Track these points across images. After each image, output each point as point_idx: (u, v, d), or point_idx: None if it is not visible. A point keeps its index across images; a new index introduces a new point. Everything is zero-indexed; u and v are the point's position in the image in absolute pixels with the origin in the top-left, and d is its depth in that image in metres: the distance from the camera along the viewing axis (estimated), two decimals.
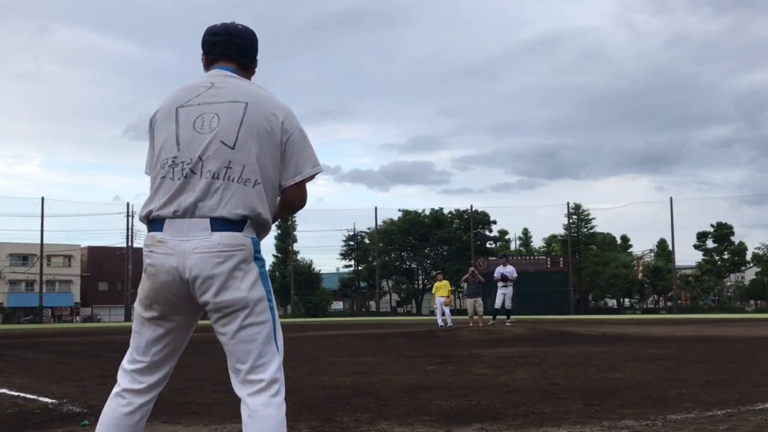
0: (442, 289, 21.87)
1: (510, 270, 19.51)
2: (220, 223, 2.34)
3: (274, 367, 2.39)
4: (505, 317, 19.07)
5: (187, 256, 2.33)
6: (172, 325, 2.48)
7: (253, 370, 2.37)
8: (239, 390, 2.40)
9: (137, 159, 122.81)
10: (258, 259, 2.42)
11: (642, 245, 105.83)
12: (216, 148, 2.37)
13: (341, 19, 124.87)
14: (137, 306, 2.50)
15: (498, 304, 19.21)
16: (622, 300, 68.87)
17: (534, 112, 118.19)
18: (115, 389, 2.49)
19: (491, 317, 19.17)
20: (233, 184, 2.36)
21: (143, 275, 2.46)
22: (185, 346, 2.58)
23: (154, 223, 2.41)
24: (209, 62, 2.62)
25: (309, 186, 2.61)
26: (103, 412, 2.49)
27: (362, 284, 70.65)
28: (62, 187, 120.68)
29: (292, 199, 2.57)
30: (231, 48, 2.58)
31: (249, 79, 2.62)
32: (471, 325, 19.01)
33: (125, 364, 2.51)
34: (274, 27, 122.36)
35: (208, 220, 2.34)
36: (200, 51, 2.66)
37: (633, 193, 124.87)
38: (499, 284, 19.25)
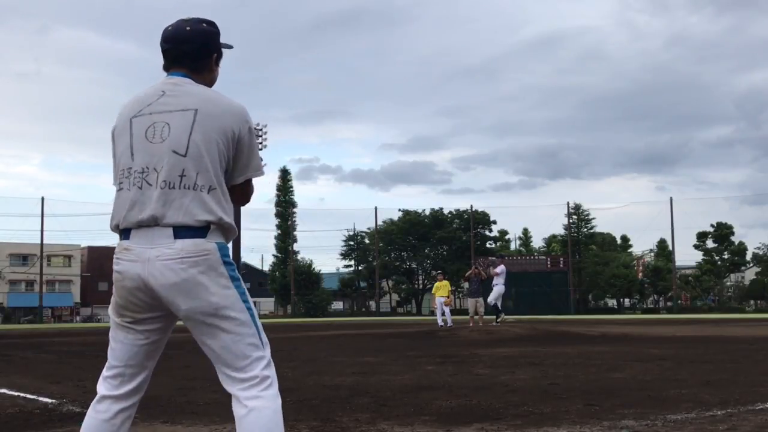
0: (442, 289, 21.86)
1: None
2: (183, 231, 2.36)
3: (261, 364, 2.42)
4: (494, 316, 19.07)
5: (151, 263, 2.35)
6: (145, 330, 2.49)
7: (240, 370, 2.39)
8: (230, 388, 2.42)
9: None
10: (227, 263, 2.42)
11: (642, 245, 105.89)
12: (168, 158, 2.39)
13: (341, 19, 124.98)
14: (110, 312, 2.53)
15: (497, 301, 19.18)
16: (622, 300, 68.85)
17: (534, 112, 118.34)
18: (96, 397, 2.53)
19: (494, 317, 19.09)
20: (189, 192, 2.37)
21: (113, 282, 2.48)
22: (161, 351, 2.60)
23: (123, 232, 2.45)
24: (164, 68, 2.62)
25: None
26: (85, 419, 2.52)
27: (362, 284, 70.64)
28: (62, 187, 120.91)
29: (236, 197, 2.58)
30: (179, 55, 2.56)
31: (209, 80, 2.61)
32: (471, 325, 19.00)
33: (104, 371, 2.54)
34: (275, 27, 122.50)
35: (171, 228, 2.36)
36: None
37: (633, 193, 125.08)
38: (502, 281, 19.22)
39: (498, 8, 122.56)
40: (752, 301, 67.80)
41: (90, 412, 2.51)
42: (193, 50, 2.56)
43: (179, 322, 2.54)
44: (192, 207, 2.37)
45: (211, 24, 2.62)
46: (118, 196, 2.46)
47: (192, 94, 2.48)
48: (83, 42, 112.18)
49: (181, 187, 2.37)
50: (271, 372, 2.44)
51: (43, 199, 56.28)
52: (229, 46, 2.69)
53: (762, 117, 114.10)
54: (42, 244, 57.60)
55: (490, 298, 19.13)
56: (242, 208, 65.57)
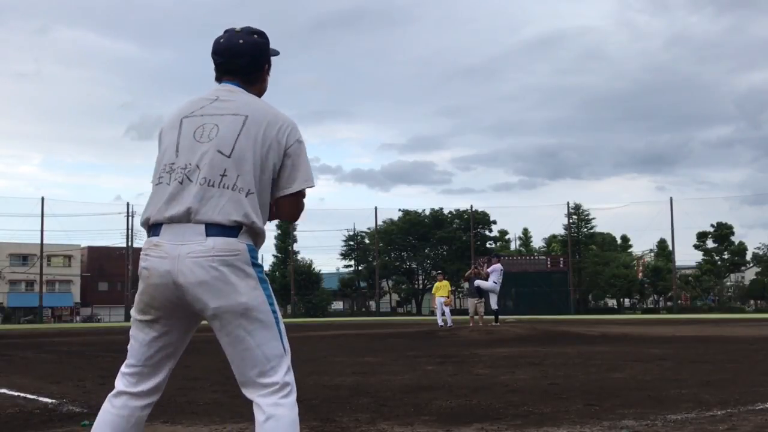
0: (442, 289, 21.86)
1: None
2: (215, 229, 2.35)
3: (283, 370, 2.40)
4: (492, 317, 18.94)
5: (180, 260, 2.33)
6: (167, 330, 2.48)
7: (263, 374, 2.38)
8: (250, 394, 2.40)
9: (138, 159, 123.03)
10: (255, 265, 2.42)
11: (642, 245, 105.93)
12: (212, 157, 2.40)
13: (342, 19, 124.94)
14: (133, 310, 2.51)
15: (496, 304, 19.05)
16: (622, 300, 68.86)
17: (534, 112, 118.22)
18: (114, 391, 2.52)
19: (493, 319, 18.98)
20: (228, 191, 2.38)
21: (140, 279, 2.47)
22: (181, 353, 2.59)
23: (152, 228, 2.43)
24: (217, 77, 2.66)
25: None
26: (100, 412, 2.52)
27: (362, 284, 70.65)
28: (62, 187, 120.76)
29: (284, 210, 2.59)
30: (232, 68, 2.60)
31: (259, 90, 2.66)
32: (471, 325, 18.99)
33: (123, 367, 2.53)
34: (275, 27, 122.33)
35: (203, 225, 2.35)
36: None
37: (633, 193, 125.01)
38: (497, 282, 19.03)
39: (498, 8, 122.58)
40: (752, 301, 67.80)
41: (106, 406, 2.50)
42: (246, 64, 2.60)
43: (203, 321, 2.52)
44: (228, 206, 2.36)
45: (262, 35, 2.65)
46: (156, 191, 2.45)
47: (245, 102, 2.51)
48: (83, 42, 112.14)
49: (220, 186, 2.38)
50: (291, 379, 2.42)
51: (43, 199, 56.36)
52: (276, 53, 2.71)
53: (762, 117, 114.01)
54: (42, 244, 57.61)
55: (493, 304, 18.90)
56: None
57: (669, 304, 63.15)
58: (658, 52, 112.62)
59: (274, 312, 2.43)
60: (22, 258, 71.82)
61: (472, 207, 66.42)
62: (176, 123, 2.52)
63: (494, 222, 69.98)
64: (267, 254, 67.26)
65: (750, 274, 71.43)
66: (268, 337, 2.39)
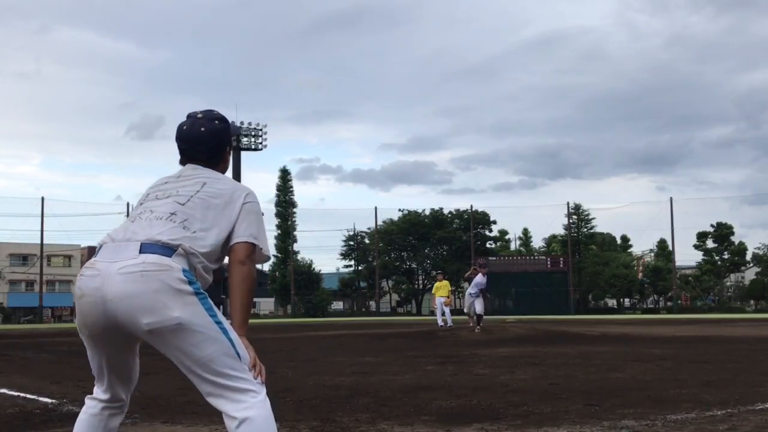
0: (442, 289, 21.85)
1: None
2: (149, 246, 2.39)
3: (242, 375, 2.40)
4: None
5: (111, 276, 2.35)
6: (106, 348, 2.51)
7: (223, 385, 2.38)
8: (217, 404, 2.41)
9: (138, 159, 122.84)
10: (191, 282, 2.38)
11: (642, 245, 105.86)
12: (168, 204, 2.55)
13: (341, 20, 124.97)
14: (77, 328, 2.55)
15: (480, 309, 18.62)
16: (622, 300, 68.83)
17: (534, 112, 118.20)
18: (89, 395, 2.66)
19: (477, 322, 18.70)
20: (172, 223, 2.47)
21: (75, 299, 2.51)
22: (136, 362, 2.65)
23: (96, 251, 2.54)
24: (181, 162, 2.77)
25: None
26: (80, 413, 2.65)
27: (362, 284, 70.62)
28: (62, 187, 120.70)
29: (234, 264, 2.55)
30: (195, 156, 2.72)
31: (222, 169, 2.77)
32: (471, 325, 18.97)
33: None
34: (274, 27, 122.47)
35: (139, 243, 2.40)
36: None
37: (633, 193, 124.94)
38: (474, 292, 18.54)
39: (498, 8, 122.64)
40: (752, 301, 67.77)
41: (84, 408, 2.64)
42: (208, 150, 2.72)
43: None
44: (168, 231, 2.43)
45: (223, 120, 2.76)
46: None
47: (205, 174, 2.67)
48: (83, 42, 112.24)
49: (167, 220, 2.48)
50: (251, 383, 2.42)
51: (43, 199, 56.25)
52: (237, 131, 2.79)
53: (762, 117, 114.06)
54: (42, 244, 57.57)
55: (479, 309, 18.35)
56: None
57: (669, 304, 63.11)
58: (658, 52, 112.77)
59: (218, 323, 2.39)
60: (22, 258, 71.79)
61: (472, 207, 66.44)
62: (143, 194, 2.69)
63: (494, 222, 69.98)
64: None
65: (750, 274, 71.40)
66: (216, 348, 2.36)
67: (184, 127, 2.72)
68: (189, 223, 2.48)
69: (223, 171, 2.76)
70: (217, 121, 2.72)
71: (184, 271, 2.38)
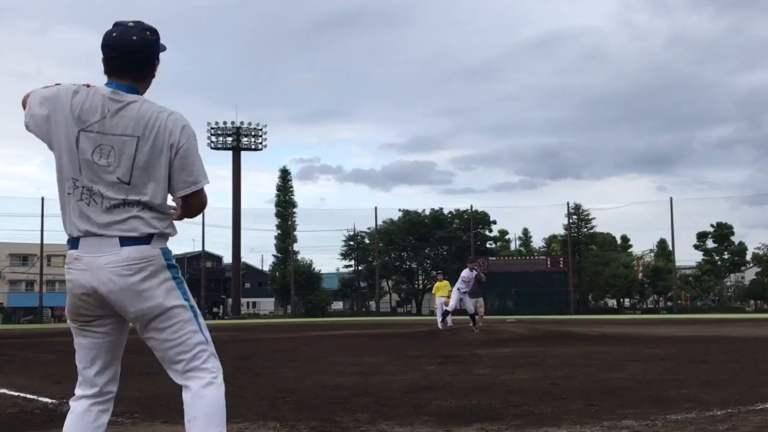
0: (442, 289, 21.84)
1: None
2: (128, 240, 2.53)
3: (205, 356, 2.62)
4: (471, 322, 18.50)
5: (100, 271, 2.52)
6: (100, 332, 2.67)
7: (189, 362, 2.59)
8: (180, 380, 2.62)
9: None
10: (171, 267, 2.60)
11: (642, 245, 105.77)
12: (113, 183, 2.55)
13: (341, 20, 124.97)
14: (67, 318, 2.70)
15: (453, 307, 18.44)
16: (622, 300, 68.81)
17: (535, 112, 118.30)
18: (73, 396, 2.72)
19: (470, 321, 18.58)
20: (133, 210, 2.55)
21: (67, 290, 2.66)
22: (122, 347, 2.78)
23: (70, 241, 2.61)
24: (105, 72, 2.67)
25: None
26: (67, 417, 2.70)
27: (362, 284, 70.61)
28: None
29: (188, 209, 2.70)
30: (124, 65, 2.62)
31: (146, 86, 2.70)
32: (471, 325, 18.97)
33: (78, 371, 2.73)
34: (274, 27, 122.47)
35: (117, 238, 2.53)
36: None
37: (634, 193, 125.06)
38: (462, 287, 18.30)
39: (498, 8, 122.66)
40: (752, 301, 67.76)
41: (70, 410, 2.69)
42: (137, 60, 2.63)
43: None
44: (135, 223, 2.55)
45: (154, 32, 2.69)
46: (67, 202, 2.61)
47: (134, 117, 2.56)
48: (83, 42, 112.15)
49: (125, 207, 2.55)
50: (215, 364, 2.64)
51: (43, 199, 56.27)
52: (164, 48, 2.75)
53: (762, 117, 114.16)
54: (42, 244, 57.59)
55: (470, 308, 18.17)
56: (242, 209, 65.29)
57: (669, 304, 63.09)
58: (658, 52, 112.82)
59: (192, 307, 2.63)
60: (22, 258, 71.78)
61: (472, 207, 66.44)
62: (72, 131, 2.56)
63: (494, 222, 69.95)
64: (267, 254, 67.36)
65: (750, 274, 71.37)
66: (189, 330, 2.60)
67: (114, 34, 2.62)
68: (144, 201, 2.56)
69: (147, 86, 2.71)
70: (149, 32, 2.66)
71: (164, 253, 2.59)
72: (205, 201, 2.72)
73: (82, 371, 2.69)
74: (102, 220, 2.54)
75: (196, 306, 2.67)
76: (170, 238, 2.71)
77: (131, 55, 2.61)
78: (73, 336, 2.70)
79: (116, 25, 2.66)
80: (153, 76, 2.72)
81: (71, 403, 2.71)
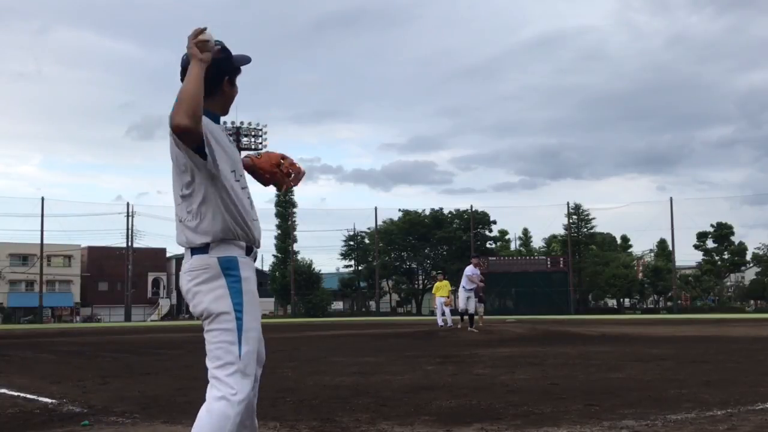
0: (442, 289, 21.85)
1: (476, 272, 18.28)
2: (193, 250, 2.74)
3: (230, 370, 2.62)
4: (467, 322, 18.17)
5: (181, 276, 2.79)
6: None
7: (215, 369, 2.64)
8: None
9: (138, 159, 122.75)
10: (228, 276, 2.69)
11: (642, 245, 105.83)
12: (175, 198, 2.79)
13: (341, 20, 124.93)
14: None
15: (462, 306, 18.14)
16: (622, 300, 68.82)
17: (535, 112, 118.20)
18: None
19: (460, 320, 18.39)
20: (181, 225, 2.76)
21: None
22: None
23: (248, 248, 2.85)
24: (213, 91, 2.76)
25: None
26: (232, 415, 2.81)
27: (362, 284, 70.61)
28: (62, 187, 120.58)
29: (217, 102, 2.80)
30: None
31: (221, 102, 2.82)
32: (469, 326, 18.96)
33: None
34: (275, 27, 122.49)
35: (189, 249, 2.76)
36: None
37: (634, 193, 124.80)
38: (468, 286, 18.04)
39: (498, 8, 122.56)
40: (752, 301, 67.78)
41: (236, 411, 2.82)
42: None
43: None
44: (192, 234, 2.73)
45: (223, 49, 2.75)
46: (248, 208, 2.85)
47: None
48: (83, 42, 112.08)
49: (180, 222, 2.78)
50: (236, 381, 2.61)
51: (43, 199, 56.31)
52: (247, 60, 2.82)
53: (762, 117, 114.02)
54: (42, 244, 57.59)
55: (471, 308, 17.92)
56: None
57: (669, 304, 63.10)
58: (658, 52, 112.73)
59: (238, 320, 2.66)
60: (22, 258, 71.74)
61: (472, 207, 66.45)
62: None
63: (494, 222, 69.99)
64: (267, 254, 67.21)
65: (750, 274, 71.40)
66: (226, 341, 2.64)
67: (184, 57, 2.68)
68: (182, 214, 2.77)
69: (223, 105, 2.80)
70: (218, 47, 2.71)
71: (223, 262, 2.72)
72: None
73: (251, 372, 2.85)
74: (180, 236, 2.83)
75: (243, 320, 2.71)
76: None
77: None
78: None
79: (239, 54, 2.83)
80: (223, 92, 2.77)
81: (239, 401, 2.83)
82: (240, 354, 2.62)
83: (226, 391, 2.58)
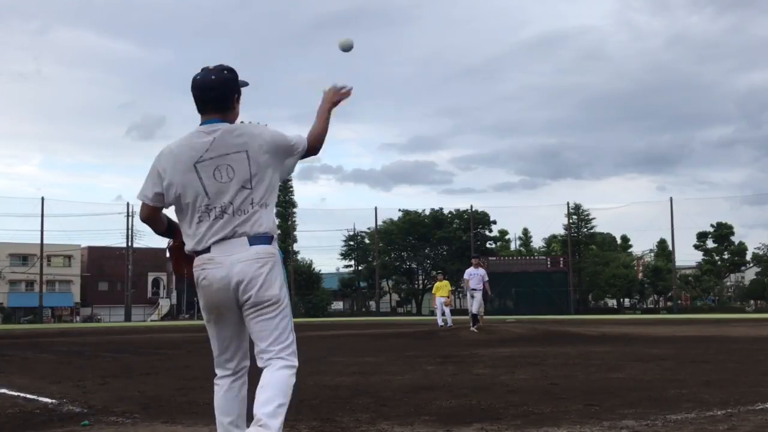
0: (442, 289, 21.87)
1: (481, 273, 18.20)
2: (254, 239, 3.06)
3: (290, 341, 3.13)
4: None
5: (233, 265, 3.02)
6: (230, 323, 3.16)
7: (280, 344, 3.07)
8: (266, 358, 3.05)
9: (138, 159, 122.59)
10: (283, 267, 3.16)
11: (642, 245, 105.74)
12: (238, 191, 3.08)
13: (342, 19, 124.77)
14: (203, 313, 3.20)
15: (475, 308, 17.82)
16: (622, 300, 68.83)
17: (535, 112, 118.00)
18: (216, 377, 3.28)
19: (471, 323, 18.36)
20: (257, 212, 3.09)
21: (198, 289, 3.12)
22: (247, 332, 3.19)
23: (201, 251, 3.09)
24: (199, 110, 3.21)
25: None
26: (214, 397, 3.30)
27: (362, 284, 70.63)
28: (62, 187, 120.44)
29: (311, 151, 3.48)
30: (207, 99, 3.18)
31: (234, 116, 3.24)
32: (470, 326, 18.95)
33: (214, 357, 3.28)
34: (275, 27, 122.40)
35: (246, 237, 3.05)
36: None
37: (634, 193, 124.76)
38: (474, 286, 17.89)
39: (498, 8, 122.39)
40: (752, 301, 67.79)
41: (215, 389, 3.27)
42: (217, 96, 3.17)
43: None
44: (257, 223, 3.08)
45: (231, 71, 3.23)
46: (198, 226, 3.08)
47: (235, 138, 3.12)
48: (83, 42, 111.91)
49: (251, 210, 3.08)
50: (296, 359, 3.13)
51: (43, 199, 56.28)
52: (245, 84, 3.28)
53: (763, 117, 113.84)
54: (42, 244, 57.58)
55: (475, 308, 17.72)
56: None
57: (669, 304, 63.11)
58: (658, 52, 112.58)
59: (288, 305, 3.16)
60: (22, 258, 71.74)
61: (472, 207, 66.46)
62: (190, 166, 3.08)
63: (494, 222, 70.02)
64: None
65: (750, 274, 71.41)
66: (286, 320, 3.12)
67: (198, 77, 3.18)
68: (263, 201, 3.16)
69: (235, 119, 3.24)
70: (225, 71, 3.20)
71: (281, 254, 3.20)
72: (318, 141, 3.80)
73: (218, 357, 3.25)
74: (232, 226, 3.13)
75: (290, 302, 3.27)
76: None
77: (211, 91, 3.16)
78: (207, 328, 3.22)
79: (201, 69, 3.21)
80: (235, 107, 3.24)
81: (216, 382, 3.25)
82: (294, 332, 3.15)
83: (295, 365, 3.09)
